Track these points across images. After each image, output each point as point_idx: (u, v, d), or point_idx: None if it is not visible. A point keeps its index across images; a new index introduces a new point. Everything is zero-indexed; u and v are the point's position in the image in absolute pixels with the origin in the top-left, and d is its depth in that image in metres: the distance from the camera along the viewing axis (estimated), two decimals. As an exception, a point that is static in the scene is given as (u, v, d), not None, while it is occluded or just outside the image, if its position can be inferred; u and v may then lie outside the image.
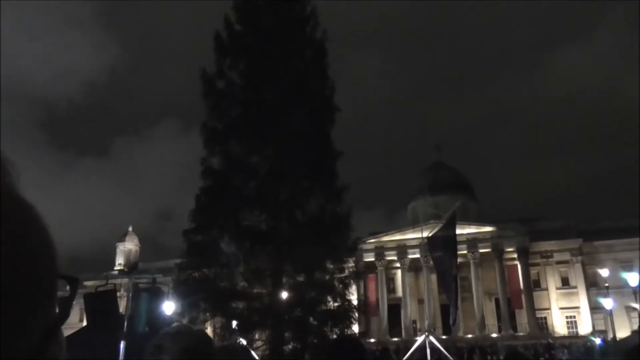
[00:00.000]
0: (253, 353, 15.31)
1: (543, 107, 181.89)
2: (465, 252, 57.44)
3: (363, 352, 3.12)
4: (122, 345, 10.61)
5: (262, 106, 21.42)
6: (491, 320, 59.57)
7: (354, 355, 3.02)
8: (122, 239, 78.82)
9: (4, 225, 0.50)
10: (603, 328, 51.53)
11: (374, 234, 65.55)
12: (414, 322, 61.85)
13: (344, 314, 20.98)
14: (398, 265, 64.57)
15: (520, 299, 58.64)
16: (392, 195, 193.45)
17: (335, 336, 19.03)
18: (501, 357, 33.07)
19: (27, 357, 0.51)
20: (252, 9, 22.80)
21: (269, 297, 20.62)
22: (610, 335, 41.96)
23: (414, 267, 63.19)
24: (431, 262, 28.80)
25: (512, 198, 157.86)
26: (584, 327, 56.23)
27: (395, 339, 56.12)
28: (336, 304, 21.15)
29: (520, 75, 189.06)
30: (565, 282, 60.30)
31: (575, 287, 59.33)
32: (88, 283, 38.36)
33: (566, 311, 58.81)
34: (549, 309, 59.45)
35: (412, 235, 58.31)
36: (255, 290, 21.27)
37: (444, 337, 49.02)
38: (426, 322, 53.99)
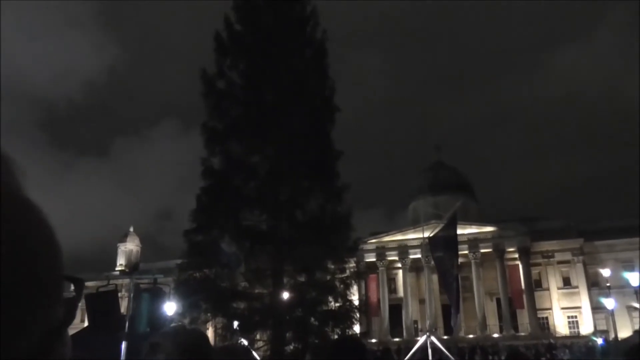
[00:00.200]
0: (254, 353, 15.32)
1: (543, 107, 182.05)
2: (466, 252, 57.45)
3: (364, 353, 3.12)
4: (123, 345, 10.61)
5: (262, 106, 21.41)
6: (492, 321, 59.55)
7: (355, 356, 3.01)
8: (123, 239, 78.87)
9: (4, 225, 0.50)
10: (605, 328, 51.51)
11: (375, 234, 65.55)
12: (415, 322, 61.86)
13: (345, 314, 20.96)
14: (399, 265, 64.57)
15: (521, 299, 58.61)
16: (392, 195, 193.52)
17: (336, 336, 19.03)
18: (502, 357, 33.04)
19: (28, 357, 0.51)
20: (252, 9, 22.79)
21: (270, 297, 20.61)
22: (612, 335, 41.88)
23: (415, 268, 63.17)
24: (432, 262, 28.79)
25: (512, 198, 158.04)
26: (586, 327, 56.21)
27: (397, 339, 56.14)
28: (337, 304, 21.12)
29: (520, 75, 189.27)
30: (566, 282, 60.26)
31: (576, 287, 59.29)
32: (89, 283, 38.21)
33: (568, 311, 58.78)
34: (550, 309, 59.42)
35: (413, 235, 58.29)
36: (256, 291, 21.26)
37: (445, 337, 48.96)
38: (427, 322, 53.99)
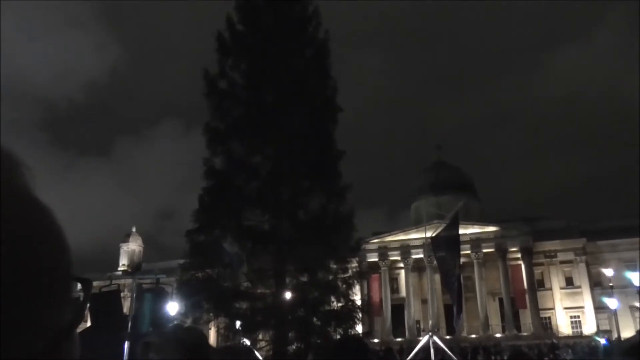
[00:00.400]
0: (257, 353, 15.32)
1: (543, 107, 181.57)
2: (468, 252, 57.33)
3: (366, 352, 3.12)
4: (126, 345, 10.63)
5: (262, 106, 21.44)
6: (495, 320, 59.46)
7: (357, 356, 3.02)
8: (125, 239, 78.98)
9: (4, 225, 0.49)
10: (607, 328, 51.40)
11: (377, 234, 65.53)
12: (418, 322, 61.81)
13: (347, 314, 20.96)
14: (401, 265, 64.53)
15: (524, 299, 58.52)
16: (394, 195, 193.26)
17: (338, 336, 19.03)
18: (505, 357, 32.98)
19: (38, 356, 0.51)
20: (252, 9, 22.83)
21: (272, 297, 20.63)
22: (615, 335, 41.82)
23: (417, 267, 63.14)
24: (435, 262, 28.75)
25: (512, 198, 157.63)
26: (588, 327, 56.08)
27: (399, 339, 56.07)
28: (340, 304, 21.12)
29: (520, 75, 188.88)
30: (569, 282, 60.13)
31: (579, 287, 59.17)
32: (92, 284, 38.35)
33: (570, 311, 58.66)
34: (553, 308, 59.29)
35: (415, 235, 58.24)
36: (258, 291, 21.26)
37: (447, 337, 48.91)
38: (430, 322, 53.92)
